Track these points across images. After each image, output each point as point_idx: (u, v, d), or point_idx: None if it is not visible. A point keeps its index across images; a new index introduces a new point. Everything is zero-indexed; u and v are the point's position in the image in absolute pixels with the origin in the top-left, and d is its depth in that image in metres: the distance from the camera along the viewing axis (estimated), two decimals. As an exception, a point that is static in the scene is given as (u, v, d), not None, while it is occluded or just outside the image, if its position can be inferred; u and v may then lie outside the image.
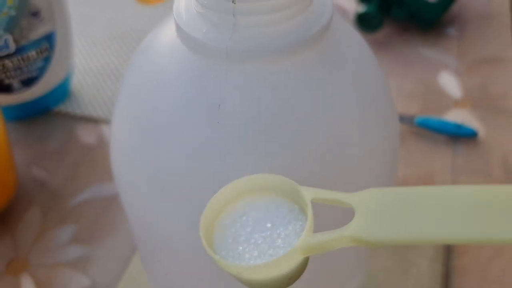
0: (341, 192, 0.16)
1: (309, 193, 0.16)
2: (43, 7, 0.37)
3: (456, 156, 0.38)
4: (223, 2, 0.17)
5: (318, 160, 0.18)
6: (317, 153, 0.18)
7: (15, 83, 0.39)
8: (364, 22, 0.47)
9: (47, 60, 0.39)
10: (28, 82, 0.39)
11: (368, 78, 0.20)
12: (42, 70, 0.39)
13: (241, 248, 0.16)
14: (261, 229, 0.16)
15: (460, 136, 0.39)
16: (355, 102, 0.19)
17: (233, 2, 0.16)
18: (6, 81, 0.38)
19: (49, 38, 0.38)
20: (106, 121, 0.41)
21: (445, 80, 0.44)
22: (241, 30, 0.17)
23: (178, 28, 0.18)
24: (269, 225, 0.16)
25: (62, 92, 0.42)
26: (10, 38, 0.36)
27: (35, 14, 0.37)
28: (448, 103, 0.42)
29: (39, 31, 0.38)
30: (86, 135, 0.40)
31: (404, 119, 0.39)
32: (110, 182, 0.37)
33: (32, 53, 0.38)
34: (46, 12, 0.37)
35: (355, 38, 0.21)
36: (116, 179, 0.23)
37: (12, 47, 0.37)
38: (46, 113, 0.42)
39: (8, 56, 0.37)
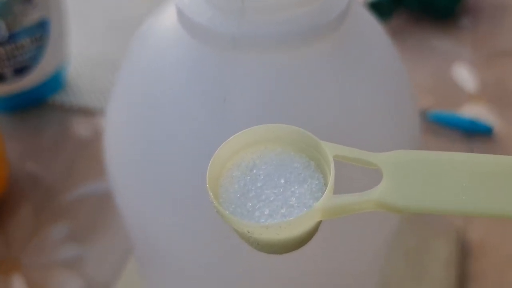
0: (367, 151, 0.14)
1: (331, 149, 0.14)
2: (37, -8, 0.35)
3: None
4: None
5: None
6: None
7: (8, 72, 0.37)
8: (376, 11, 0.44)
9: (41, 48, 0.37)
10: (22, 71, 0.37)
11: (388, 69, 0.18)
12: (36, 59, 0.37)
13: (250, 204, 0.15)
14: (273, 185, 0.15)
15: (475, 132, 0.37)
16: (374, 95, 0.17)
17: None
18: (-1, 70, 0.36)
19: (43, 25, 0.36)
20: (103, 113, 0.39)
21: (460, 73, 0.42)
22: (250, 16, 0.15)
23: (180, 13, 0.16)
24: (282, 181, 0.15)
25: (57, 82, 0.40)
26: (2, 24, 0.34)
27: (29, 0, 0.35)
28: (463, 97, 0.40)
29: (33, 17, 0.36)
30: (82, 127, 0.39)
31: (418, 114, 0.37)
32: (106, 178, 0.35)
33: (26, 41, 0.36)
34: (41, -3, 0.35)
35: (373, 25, 0.19)
36: (110, 177, 0.22)
37: (5, 33, 0.35)
38: (40, 104, 0.40)
39: (0, 43, 0.35)
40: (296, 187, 0.15)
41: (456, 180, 0.14)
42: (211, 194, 0.14)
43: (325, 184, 0.15)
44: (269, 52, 0.16)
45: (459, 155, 0.14)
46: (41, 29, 0.36)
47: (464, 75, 0.42)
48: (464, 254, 0.31)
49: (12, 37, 0.35)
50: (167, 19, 0.18)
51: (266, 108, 0.16)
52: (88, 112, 0.39)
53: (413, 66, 0.43)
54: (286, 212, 0.14)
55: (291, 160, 0.15)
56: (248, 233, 0.14)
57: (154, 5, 0.53)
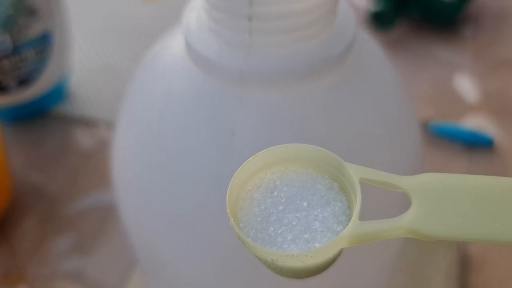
0: (394, 174, 0.14)
1: (356, 171, 0.14)
2: (41, 5, 0.35)
3: (471, 167, 0.36)
4: (238, 19, 0.15)
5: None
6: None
7: (12, 83, 0.37)
8: (378, 21, 0.45)
9: (44, 59, 0.37)
10: (25, 82, 0.37)
11: (391, 99, 0.18)
12: (39, 70, 0.37)
13: (272, 229, 0.14)
14: (296, 208, 0.14)
15: (476, 144, 0.37)
16: (378, 124, 0.17)
17: (249, 20, 0.15)
18: (3, 81, 0.37)
19: (46, 37, 0.37)
20: (106, 123, 0.39)
21: (461, 83, 0.42)
22: (257, 50, 0.15)
23: (188, 45, 0.16)
24: (305, 204, 0.14)
25: (59, 92, 0.41)
26: (7, 37, 0.35)
27: (33, 12, 0.35)
28: (464, 108, 0.40)
29: (37, 30, 0.36)
30: (85, 138, 0.39)
31: (419, 125, 0.38)
32: (110, 189, 0.35)
33: (30, 53, 0.36)
34: (44, 10, 0.36)
35: (376, 53, 0.19)
36: (116, 193, 0.22)
37: (9, 46, 0.35)
38: (43, 115, 0.40)
39: (5, 55, 0.35)
40: (319, 210, 0.14)
41: (488, 206, 0.13)
42: (232, 220, 0.14)
43: (349, 207, 0.14)
44: (276, 86, 0.16)
45: (489, 179, 0.13)
46: (44, 41, 0.37)
47: (465, 85, 0.42)
48: (465, 267, 0.31)
49: (16, 50, 0.35)
50: (175, 46, 0.18)
51: (273, 141, 0.16)
52: (91, 123, 0.40)
53: (414, 75, 0.43)
54: (309, 237, 0.14)
55: (313, 181, 0.14)
56: (271, 261, 0.14)
57: (156, 13, 0.54)
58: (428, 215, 0.13)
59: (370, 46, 0.19)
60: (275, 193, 0.14)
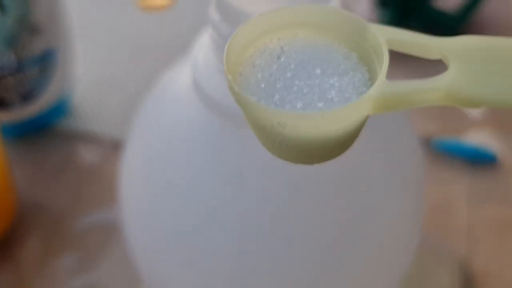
0: (427, 35, 0.12)
1: (383, 32, 0.12)
2: (44, 22, 0.35)
3: (474, 183, 0.36)
4: None
5: (343, 238, 0.16)
6: (344, 231, 0.16)
7: (15, 100, 0.37)
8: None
9: (48, 76, 0.37)
10: (29, 99, 0.37)
11: (401, 151, 0.18)
12: (43, 86, 0.38)
13: (278, 96, 0.12)
14: (307, 75, 0.12)
15: (479, 160, 0.37)
16: (386, 179, 0.18)
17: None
18: (7, 98, 0.37)
19: (50, 54, 0.37)
20: (109, 138, 0.39)
21: (463, 98, 0.42)
22: None
23: (196, 84, 0.16)
24: (318, 71, 0.12)
25: (63, 107, 0.41)
26: (11, 54, 0.35)
27: (37, 29, 0.35)
28: (466, 123, 0.40)
29: (40, 47, 0.36)
30: (88, 154, 0.39)
31: (421, 141, 0.38)
32: (114, 205, 0.36)
33: (34, 69, 0.36)
34: (48, 27, 0.36)
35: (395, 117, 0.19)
36: (125, 225, 0.22)
37: (13, 63, 0.35)
38: (46, 130, 0.40)
39: (9, 72, 0.35)
40: (335, 79, 0.12)
41: None
42: (230, 78, 0.11)
43: (370, 79, 0.12)
44: None
45: None
46: (48, 58, 0.37)
47: (468, 100, 0.42)
48: (466, 283, 0.31)
49: (20, 66, 0.35)
50: (184, 80, 0.18)
51: (279, 182, 0.16)
52: (94, 138, 0.40)
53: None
54: (324, 106, 0.12)
55: (328, 49, 0.13)
56: (278, 126, 0.11)
57: (158, 24, 0.53)
58: (470, 76, 0.11)
59: None
60: (282, 59, 0.12)
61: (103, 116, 0.41)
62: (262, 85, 0.12)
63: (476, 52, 0.12)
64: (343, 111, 0.11)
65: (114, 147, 0.39)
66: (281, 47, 0.12)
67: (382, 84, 0.11)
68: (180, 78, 0.19)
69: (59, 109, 0.40)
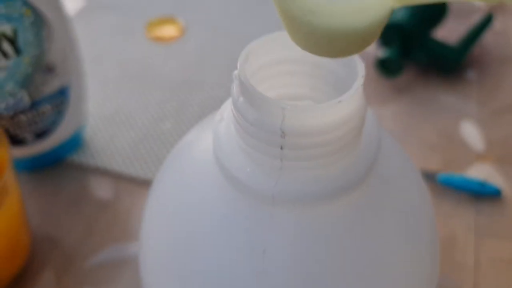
0: None
1: None
2: (58, 62, 0.36)
3: (479, 217, 0.37)
4: (270, 147, 0.16)
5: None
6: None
7: (29, 137, 0.38)
8: (385, 68, 0.46)
9: (61, 113, 0.38)
10: (42, 135, 0.38)
11: (415, 211, 0.19)
12: (56, 123, 0.38)
13: None
14: None
15: (484, 194, 0.38)
16: (402, 237, 0.18)
17: (281, 148, 0.15)
18: (20, 135, 0.37)
19: (63, 92, 0.38)
20: (120, 173, 0.40)
21: (467, 130, 0.43)
22: (288, 174, 0.16)
23: (218, 160, 0.17)
24: None
25: (75, 141, 0.41)
26: (25, 93, 0.35)
27: (51, 69, 0.36)
28: (471, 156, 0.41)
29: (54, 86, 0.37)
30: (100, 189, 0.40)
31: (426, 176, 0.38)
32: (126, 242, 0.36)
33: (47, 107, 0.37)
34: (61, 66, 0.36)
35: (402, 160, 0.20)
36: (143, 275, 0.22)
37: (27, 102, 0.36)
38: (59, 163, 0.41)
39: (23, 111, 0.36)
40: None
41: None
42: None
43: None
44: (305, 207, 0.16)
45: None
46: (61, 96, 0.38)
47: (471, 133, 0.43)
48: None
49: (33, 105, 0.36)
50: (205, 150, 0.18)
51: (302, 260, 0.17)
52: (106, 173, 0.40)
53: (421, 123, 0.44)
54: None
55: None
56: (309, 13, 0.12)
57: (168, 56, 0.54)
58: None
59: (393, 150, 0.20)
60: None
61: (112, 151, 0.42)
62: None
63: None
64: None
65: (125, 181, 0.40)
66: None
67: None
68: (201, 146, 0.19)
69: (72, 143, 0.41)
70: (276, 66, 0.18)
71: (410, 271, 0.18)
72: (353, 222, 0.17)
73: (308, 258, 0.16)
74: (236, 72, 0.17)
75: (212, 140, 0.17)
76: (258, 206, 0.16)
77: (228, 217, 0.17)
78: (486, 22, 0.49)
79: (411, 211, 0.19)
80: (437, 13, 0.49)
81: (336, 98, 0.15)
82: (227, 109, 0.18)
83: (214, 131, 0.18)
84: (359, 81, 0.15)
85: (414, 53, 0.47)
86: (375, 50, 0.48)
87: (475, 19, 0.54)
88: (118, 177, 0.40)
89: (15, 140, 0.38)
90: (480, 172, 0.40)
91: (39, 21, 0.34)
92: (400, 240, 0.18)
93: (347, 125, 0.16)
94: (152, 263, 0.20)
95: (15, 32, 0.33)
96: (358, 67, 0.16)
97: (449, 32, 0.52)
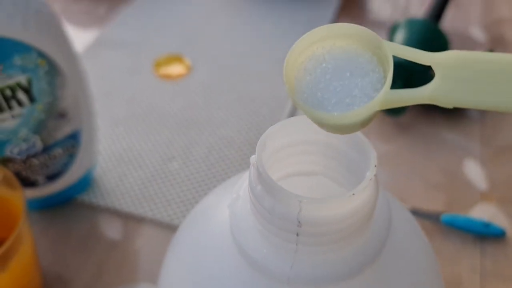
0: (421, 51, 0.16)
1: (391, 48, 0.16)
2: (70, 108, 0.37)
3: (484, 258, 0.37)
4: (286, 233, 0.16)
5: None
6: None
7: (40, 179, 0.39)
8: (390, 109, 0.47)
9: (72, 156, 0.39)
10: (53, 177, 0.39)
11: (424, 279, 0.20)
12: (67, 166, 0.39)
13: (319, 94, 0.17)
14: (340, 77, 0.17)
15: (488, 235, 0.38)
16: None
17: (297, 235, 0.16)
18: (32, 178, 0.38)
19: (75, 136, 0.39)
20: (129, 214, 0.41)
21: (470, 169, 0.44)
22: (302, 256, 0.17)
23: (235, 239, 0.18)
24: (348, 74, 0.17)
25: (85, 182, 0.42)
26: (38, 139, 0.36)
27: (63, 115, 0.37)
28: (474, 196, 0.41)
29: (66, 131, 0.38)
30: (109, 229, 0.40)
31: (430, 216, 0.39)
32: (136, 282, 0.37)
33: (58, 151, 0.38)
34: (74, 112, 0.37)
35: (411, 230, 0.21)
36: None
37: (40, 147, 0.37)
38: (68, 203, 0.42)
39: (35, 155, 0.37)
40: (359, 79, 0.17)
41: (503, 80, 0.15)
42: (288, 87, 0.17)
43: (385, 77, 0.17)
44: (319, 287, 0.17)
45: (506, 56, 0.16)
46: (73, 140, 0.38)
47: (475, 172, 0.43)
48: None
49: (45, 150, 0.37)
50: (221, 224, 0.19)
51: None
52: (115, 213, 0.41)
53: (425, 161, 0.44)
54: (350, 102, 0.16)
55: (357, 55, 0.17)
56: (318, 120, 0.16)
57: (176, 94, 0.55)
58: (446, 86, 0.15)
59: (402, 222, 0.21)
60: (324, 65, 0.17)
61: (122, 191, 0.42)
62: (310, 86, 0.17)
63: (457, 65, 0.16)
64: (359, 112, 0.16)
65: (135, 221, 0.40)
66: (323, 55, 0.17)
67: (385, 93, 0.16)
68: (219, 217, 0.20)
69: (82, 184, 0.42)
70: (292, 147, 0.19)
71: None
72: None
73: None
74: (253, 157, 0.17)
75: (228, 218, 0.18)
76: (274, 285, 0.17)
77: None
78: (487, 60, 0.50)
79: (422, 282, 0.19)
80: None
81: (349, 178, 0.16)
82: (243, 186, 0.19)
83: (230, 209, 0.18)
84: (372, 171, 0.16)
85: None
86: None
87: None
88: (127, 217, 0.41)
89: (27, 183, 0.39)
90: (484, 212, 0.40)
91: (53, 70, 0.35)
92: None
93: (360, 213, 0.16)
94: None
95: (29, 82, 0.34)
96: (370, 155, 0.17)
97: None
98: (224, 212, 0.19)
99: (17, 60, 0.33)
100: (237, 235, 0.18)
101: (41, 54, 0.34)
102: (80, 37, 0.61)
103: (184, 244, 0.21)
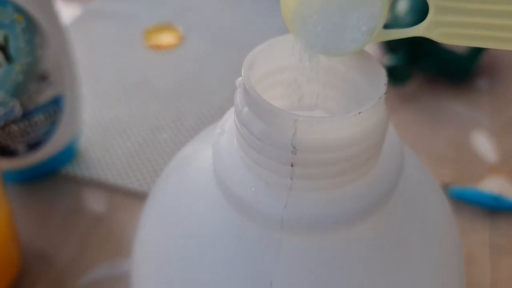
0: None
1: None
2: (52, 70, 0.34)
3: (494, 233, 0.35)
4: (280, 164, 0.14)
5: None
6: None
7: (21, 148, 0.36)
8: (392, 76, 0.44)
9: (55, 123, 0.36)
10: (35, 146, 0.36)
11: (438, 237, 0.17)
12: (49, 134, 0.37)
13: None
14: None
15: (499, 209, 0.36)
16: (429, 270, 0.16)
17: (291, 166, 0.14)
18: (12, 146, 0.36)
19: (57, 102, 0.36)
20: (115, 186, 0.38)
21: (479, 141, 0.41)
22: (298, 194, 0.14)
23: (219, 179, 0.15)
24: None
25: (69, 152, 0.40)
26: (17, 103, 0.34)
27: (44, 78, 0.34)
28: (483, 169, 0.39)
29: (48, 95, 0.35)
30: (94, 202, 0.38)
31: (438, 189, 0.37)
32: (120, 259, 0.34)
33: (40, 117, 0.35)
34: (55, 75, 0.35)
35: (424, 177, 0.18)
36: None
37: (19, 112, 0.34)
38: (51, 175, 0.39)
39: (14, 121, 0.34)
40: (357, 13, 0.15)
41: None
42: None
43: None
44: (316, 233, 0.15)
45: None
46: (55, 105, 0.36)
47: (483, 144, 0.41)
48: None
49: (25, 115, 0.35)
50: (204, 165, 0.17)
51: None
52: (101, 185, 0.39)
53: (431, 133, 0.42)
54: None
55: None
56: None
57: (166, 65, 0.53)
58: (440, 22, 0.15)
59: (414, 167, 0.18)
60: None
61: (108, 162, 0.40)
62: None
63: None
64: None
65: (121, 194, 0.38)
66: None
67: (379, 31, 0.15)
68: (200, 162, 0.17)
69: (66, 155, 0.39)
70: (282, 73, 0.16)
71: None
72: (372, 250, 0.15)
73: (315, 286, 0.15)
74: (239, 79, 0.15)
75: (212, 156, 0.16)
76: (265, 231, 0.15)
77: (230, 243, 0.15)
78: (496, 29, 0.48)
79: (436, 234, 0.17)
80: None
81: (353, 109, 0.13)
82: (228, 121, 0.16)
83: (214, 146, 0.16)
84: (381, 89, 0.14)
85: (422, 61, 0.45)
86: (381, 57, 0.46)
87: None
88: (113, 190, 0.38)
89: (6, 152, 0.36)
90: (494, 185, 0.38)
91: (31, 28, 0.32)
92: (426, 268, 0.16)
93: (367, 140, 0.14)
94: (145, 286, 0.18)
95: (6, 39, 0.31)
96: (379, 74, 0.14)
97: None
98: (206, 157, 0.17)
99: (-9, 13, 0.30)
100: (221, 174, 0.15)
101: (18, 9, 0.31)
102: (67, 8, 0.58)
103: (162, 194, 0.19)
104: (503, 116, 0.43)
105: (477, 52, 0.46)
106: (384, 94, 0.14)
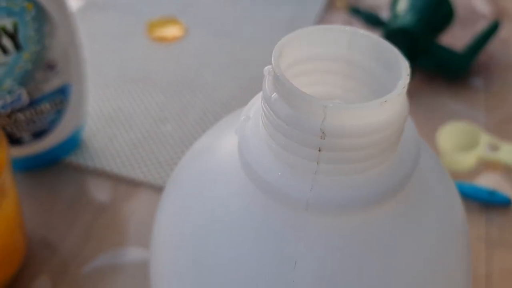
0: None
1: None
2: (59, 59, 0.35)
3: (490, 227, 0.36)
4: (307, 149, 0.14)
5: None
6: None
7: (26, 136, 0.36)
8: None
9: (60, 111, 0.37)
10: (40, 135, 0.37)
11: (450, 222, 0.18)
12: (54, 122, 0.37)
13: None
14: None
15: (493, 203, 0.37)
16: (440, 256, 0.17)
17: (319, 150, 0.14)
18: (17, 134, 0.36)
19: (63, 90, 0.36)
20: (119, 177, 0.39)
21: (474, 138, 0.42)
22: (323, 178, 0.15)
23: (245, 163, 0.16)
24: None
25: (74, 141, 0.40)
26: (23, 91, 0.34)
27: (51, 67, 0.34)
28: (479, 165, 0.40)
29: (54, 84, 0.35)
30: (98, 191, 0.38)
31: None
32: (124, 247, 0.35)
33: (46, 106, 0.36)
34: (63, 64, 0.35)
35: (438, 169, 0.19)
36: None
37: (26, 100, 0.34)
38: (55, 164, 0.40)
39: (20, 109, 0.35)
40: None
41: None
42: None
43: None
44: (340, 215, 0.15)
45: None
46: (61, 94, 0.36)
47: (479, 141, 0.42)
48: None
49: (32, 104, 0.35)
50: (229, 151, 0.17)
51: (336, 272, 0.15)
52: (104, 174, 0.39)
53: (429, 130, 0.43)
54: None
55: None
56: None
57: (170, 57, 0.53)
58: None
59: (430, 158, 0.19)
60: None
61: (112, 152, 0.40)
62: None
63: None
64: None
65: (125, 184, 0.38)
66: None
67: None
68: (223, 149, 0.17)
69: (70, 144, 0.40)
70: (308, 63, 0.17)
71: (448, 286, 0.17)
72: (392, 232, 0.16)
73: (344, 270, 0.15)
74: (268, 67, 0.15)
75: (237, 141, 0.16)
76: (290, 213, 0.15)
77: (256, 225, 0.16)
78: (492, 29, 0.49)
79: (449, 222, 0.18)
80: (444, 19, 0.48)
81: (373, 100, 0.14)
82: (253, 107, 0.17)
83: (239, 132, 0.16)
84: (405, 79, 0.14)
85: (420, 59, 0.46)
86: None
87: (481, 26, 0.53)
88: (117, 180, 0.39)
89: (12, 139, 0.36)
90: (489, 181, 0.39)
91: (41, 16, 0.32)
92: (438, 254, 0.17)
93: (390, 127, 0.14)
94: (167, 274, 0.19)
95: (15, 26, 0.31)
96: (401, 65, 0.15)
97: (455, 38, 0.51)
98: (229, 144, 0.17)
99: (2, 1, 0.30)
100: (247, 158, 0.16)
101: (28, -3, 0.31)
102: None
103: (181, 185, 0.19)
104: (498, 114, 0.44)
105: (474, 50, 0.47)
106: (407, 84, 0.15)
